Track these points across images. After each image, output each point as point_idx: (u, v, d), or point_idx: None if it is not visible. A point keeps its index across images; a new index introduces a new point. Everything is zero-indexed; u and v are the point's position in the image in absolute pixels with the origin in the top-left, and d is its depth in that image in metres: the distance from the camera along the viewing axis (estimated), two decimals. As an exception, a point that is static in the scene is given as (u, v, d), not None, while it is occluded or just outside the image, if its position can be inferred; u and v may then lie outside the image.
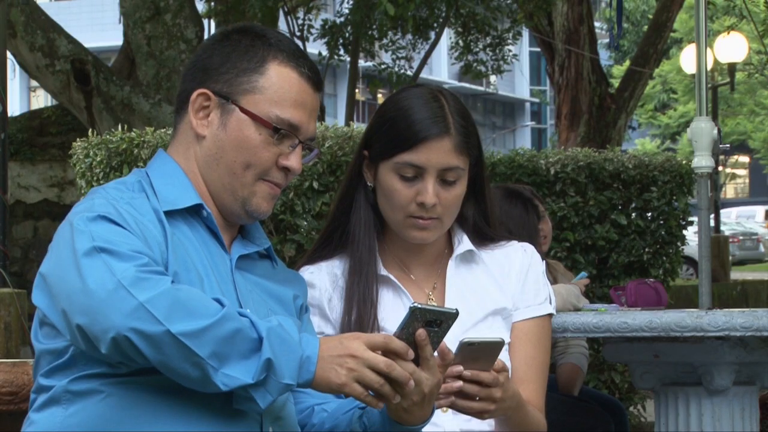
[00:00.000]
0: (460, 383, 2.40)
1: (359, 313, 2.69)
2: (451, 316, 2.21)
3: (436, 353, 2.23)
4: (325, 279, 2.76)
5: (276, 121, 2.34)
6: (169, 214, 2.30)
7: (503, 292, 2.78)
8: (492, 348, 2.38)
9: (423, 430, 2.37)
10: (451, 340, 2.31)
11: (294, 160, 2.37)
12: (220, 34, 2.44)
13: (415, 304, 2.19)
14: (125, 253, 2.12)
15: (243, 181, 2.35)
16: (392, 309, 2.72)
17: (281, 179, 2.38)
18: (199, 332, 2.06)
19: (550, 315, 2.82)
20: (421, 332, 2.19)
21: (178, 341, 2.05)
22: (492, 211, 2.85)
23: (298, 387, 2.15)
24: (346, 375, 2.13)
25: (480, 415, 2.48)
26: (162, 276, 2.12)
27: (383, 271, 2.75)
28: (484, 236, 2.81)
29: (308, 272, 2.75)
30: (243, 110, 2.34)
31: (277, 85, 2.35)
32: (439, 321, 2.20)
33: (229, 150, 2.34)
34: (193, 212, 2.34)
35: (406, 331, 2.19)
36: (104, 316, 2.06)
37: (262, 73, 2.35)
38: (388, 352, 2.17)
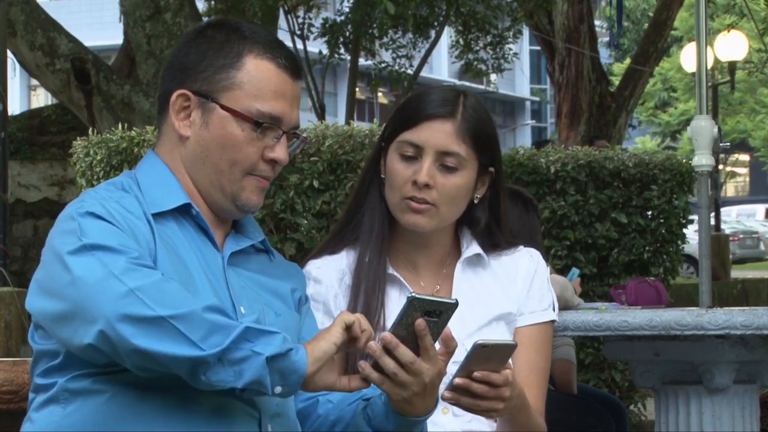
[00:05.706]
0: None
1: (365, 310, 2.67)
2: (450, 306, 2.20)
3: (437, 344, 2.23)
4: (332, 275, 2.75)
5: (257, 116, 2.33)
6: (159, 214, 2.29)
7: (509, 297, 2.77)
8: (504, 350, 2.37)
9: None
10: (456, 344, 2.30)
11: (280, 152, 2.36)
12: (194, 32, 2.42)
13: (413, 294, 2.18)
14: (116, 247, 2.13)
15: (231, 177, 2.35)
16: (397, 307, 2.70)
17: (269, 172, 2.38)
18: (189, 314, 2.06)
19: (553, 321, 2.82)
20: (420, 322, 2.18)
21: (169, 324, 2.05)
22: (505, 219, 2.83)
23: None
24: None
25: (487, 413, 2.47)
26: (153, 269, 2.13)
27: (390, 270, 2.74)
28: (494, 242, 2.80)
29: (315, 267, 2.75)
30: (224, 107, 2.33)
31: (255, 79, 2.34)
32: (438, 311, 2.19)
33: (213, 149, 2.34)
34: (183, 212, 2.34)
35: (404, 321, 2.18)
36: (94, 302, 2.07)
37: (239, 68, 2.34)
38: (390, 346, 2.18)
